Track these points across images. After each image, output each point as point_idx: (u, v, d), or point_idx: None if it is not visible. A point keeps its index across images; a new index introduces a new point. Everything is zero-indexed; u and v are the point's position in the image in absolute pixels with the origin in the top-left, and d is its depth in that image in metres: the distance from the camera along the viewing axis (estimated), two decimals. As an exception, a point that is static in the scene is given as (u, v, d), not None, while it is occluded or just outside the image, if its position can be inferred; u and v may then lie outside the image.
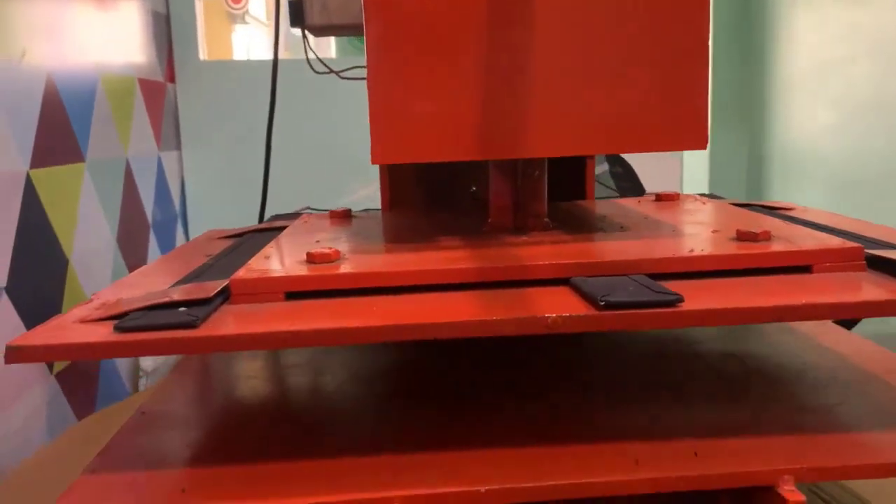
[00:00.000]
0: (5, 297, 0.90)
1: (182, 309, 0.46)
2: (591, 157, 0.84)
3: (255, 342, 0.43)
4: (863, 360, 0.63)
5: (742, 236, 0.54)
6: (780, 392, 0.57)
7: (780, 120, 2.09)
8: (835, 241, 0.53)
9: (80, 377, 1.10)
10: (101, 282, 1.21)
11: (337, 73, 0.99)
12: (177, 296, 0.48)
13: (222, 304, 0.49)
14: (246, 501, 0.44)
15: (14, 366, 0.93)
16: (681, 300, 0.44)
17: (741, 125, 2.25)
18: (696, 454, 0.47)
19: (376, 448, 0.50)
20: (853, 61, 1.76)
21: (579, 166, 0.84)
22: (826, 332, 0.70)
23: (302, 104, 1.70)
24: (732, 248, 0.52)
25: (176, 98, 1.69)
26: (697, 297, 0.45)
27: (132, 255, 1.33)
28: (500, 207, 0.63)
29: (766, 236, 0.53)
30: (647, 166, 1.61)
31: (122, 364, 1.25)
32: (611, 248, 0.55)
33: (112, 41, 1.34)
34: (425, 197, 0.91)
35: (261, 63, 1.70)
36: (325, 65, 0.96)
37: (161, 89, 1.60)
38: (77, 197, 1.14)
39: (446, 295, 0.49)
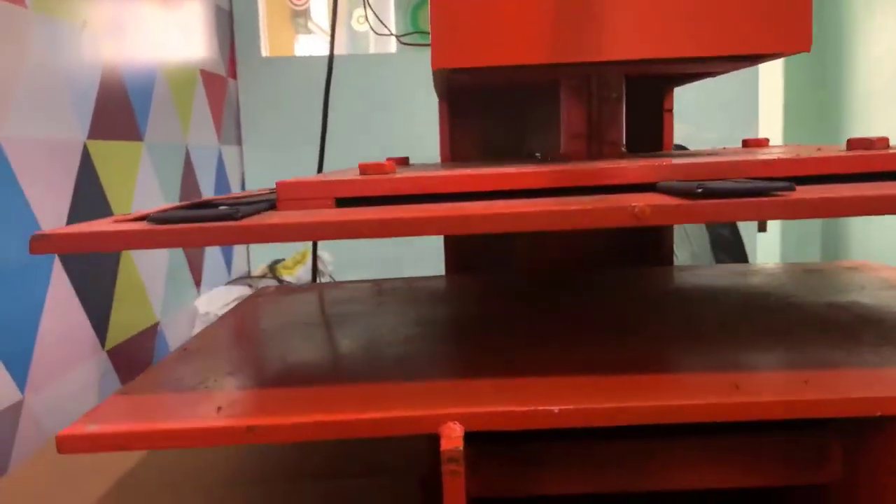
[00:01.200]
0: (59, 264, 0.88)
1: (223, 207, 0.42)
2: (670, 109, 0.77)
3: (299, 232, 0.38)
4: None
5: (854, 145, 0.47)
6: (900, 333, 0.49)
7: (859, 129, 1.98)
8: (968, 146, 0.45)
9: (132, 354, 1.08)
10: (156, 259, 1.19)
11: (398, 36, 0.95)
12: (218, 199, 0.44)
13: (267, 210, 0.45)
14: (287, 416, 0.39)
15: (65, 340, 0.90)
16: (791, 188, 0.38)
17: (817, 134, 2.14)
18: (805, 382, 0.40)
19: (434, 375, 0.44)
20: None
21: (657, 119, 0.77)
22: (941, 289, 0.62)
23: (362, 99, 1.68)
24: (846, 153, 0.45)
25: (237, 93, 1.68)
26: (810, 191, 0.39)
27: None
28: (572, 136, 0.58)
29: (884, 143, 0.46)
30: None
31: (178, 344, 1.22)
32: (703, 159, 0.48)
33: (175, 30, 1.34)
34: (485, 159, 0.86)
35: (322, 59, 1.68)
36: (385, 26, 0.93)
37: (222, 83, 1.60)
38: (134, 174, 1.13)
39: (516, 201, 0.43)
